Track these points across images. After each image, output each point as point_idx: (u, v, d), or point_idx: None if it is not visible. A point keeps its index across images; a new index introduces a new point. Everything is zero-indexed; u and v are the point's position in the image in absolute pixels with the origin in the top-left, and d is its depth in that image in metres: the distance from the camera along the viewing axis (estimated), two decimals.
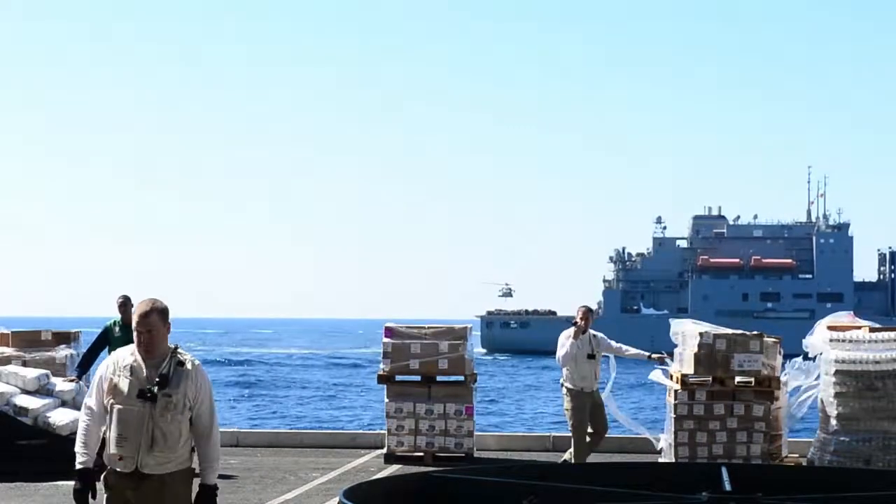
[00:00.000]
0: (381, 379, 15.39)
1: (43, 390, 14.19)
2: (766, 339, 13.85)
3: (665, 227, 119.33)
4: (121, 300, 13.81)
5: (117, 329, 13.70)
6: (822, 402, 13.15)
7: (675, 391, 13.66)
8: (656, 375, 14.45)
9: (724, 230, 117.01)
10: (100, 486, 6.47)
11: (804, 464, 13.13)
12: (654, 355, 14.39)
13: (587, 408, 13.81)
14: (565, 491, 5.70)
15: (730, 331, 13.94)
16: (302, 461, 15.14)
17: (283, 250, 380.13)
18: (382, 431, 15.80)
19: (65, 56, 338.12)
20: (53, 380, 14.37)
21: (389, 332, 15.47)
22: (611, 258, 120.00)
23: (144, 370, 6.35)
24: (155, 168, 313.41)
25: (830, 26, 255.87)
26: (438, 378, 15.36)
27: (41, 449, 13.54)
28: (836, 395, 12.86)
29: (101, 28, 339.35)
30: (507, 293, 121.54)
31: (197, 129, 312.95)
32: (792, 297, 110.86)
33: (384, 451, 15.23)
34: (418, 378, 15.29)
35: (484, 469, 6.38)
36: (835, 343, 13.02)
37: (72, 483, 6.48)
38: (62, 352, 14.98)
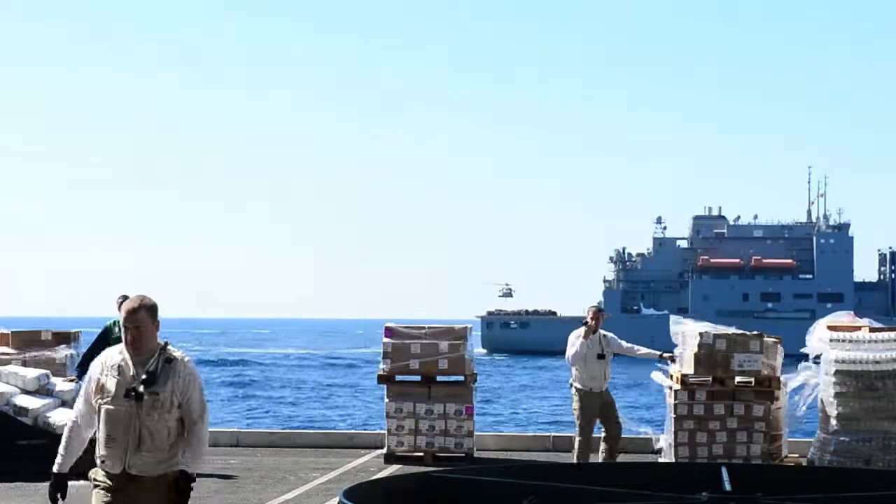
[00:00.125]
0: (381, 379, 15.39)
1: (43, 390, 14.20)
2: (766, 339, 13.86)
3: (665, 228, 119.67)
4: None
5: (117, 329, 13.68)
6: (822, 402, 13.14)
7: (676, 391, 13.67)
8: (657, 376, 14.45)
9: (725, 230, 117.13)
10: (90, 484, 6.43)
11: (804, 464, 13.13)
12: (665, 354, 14.32)
13: (596, 409, 13.74)
14: (565, 491, 5.71)
15: (730, 331, 13.93)
16: (302, 461, 15.14)
17: (282, 250, 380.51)
18: (382, 431, 15.82)
19: (65, 56, 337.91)
20: (53, 380, 14.37)
21: (389, 332, 15.49)
22: (611, 258, 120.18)
23: (132, 368, 6.27)
24: (155, 168, 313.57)
25: (830, 26, 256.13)
26: (438, 378, 15.37)
27: (41, 449, 13.48)
28: (836, 395, 12.86)
29: (101, 28, 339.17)
30: (507, 293, 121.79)
31: (197, 129, 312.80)
32: (792, 297, 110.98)
33: (384, 451, 15.24)
34: (418, 378, 15.30)
35: (484, 469, 6.39)
36: (835, 343, 13.02)
37: (72, 483, 6.47)
38: (62, 352, 14.96)
